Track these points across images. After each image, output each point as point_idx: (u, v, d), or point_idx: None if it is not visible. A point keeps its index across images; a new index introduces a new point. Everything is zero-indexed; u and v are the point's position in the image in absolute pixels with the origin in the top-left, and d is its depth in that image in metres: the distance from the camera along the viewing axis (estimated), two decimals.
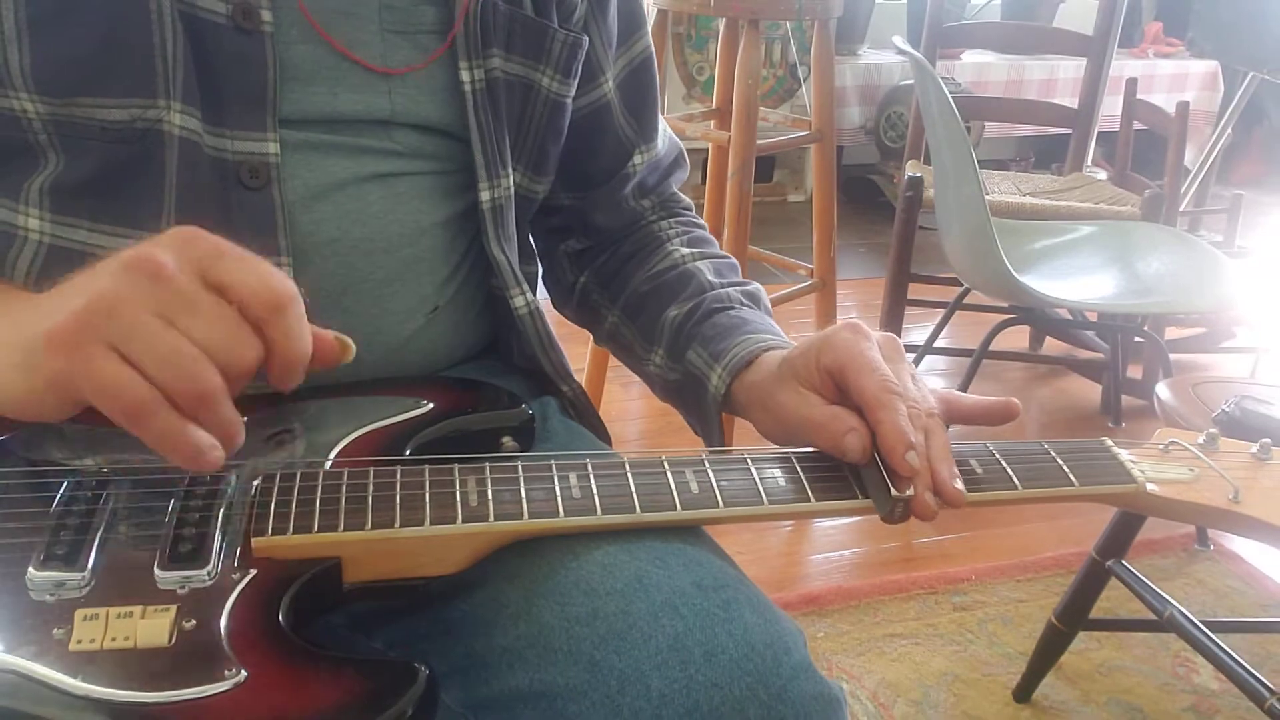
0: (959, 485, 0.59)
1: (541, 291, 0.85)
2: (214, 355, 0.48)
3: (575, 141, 0.80)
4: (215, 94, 0.63)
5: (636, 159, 0.85)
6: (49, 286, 0.64)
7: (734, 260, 0.85)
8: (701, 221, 0.90)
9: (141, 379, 0.47)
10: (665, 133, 0.90)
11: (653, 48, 0.85)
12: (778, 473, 0.62)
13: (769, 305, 0.81)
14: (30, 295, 0.57)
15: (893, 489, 0.58)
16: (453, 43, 0.70)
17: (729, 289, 0.79)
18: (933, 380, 2.47)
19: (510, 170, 0.75)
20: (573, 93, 0.78)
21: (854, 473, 0.62)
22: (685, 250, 0.83)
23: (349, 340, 0.54)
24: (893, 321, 2.31)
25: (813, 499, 0.60)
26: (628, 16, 0.82)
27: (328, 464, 0.60)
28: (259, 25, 0.63)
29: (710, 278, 0.80)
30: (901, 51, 1.98)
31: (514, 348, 0.80)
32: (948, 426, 0.63)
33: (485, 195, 0.73)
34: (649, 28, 0.85)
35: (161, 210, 0.63)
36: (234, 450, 0.50)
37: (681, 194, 0.92)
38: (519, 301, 0.77)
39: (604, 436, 0.84)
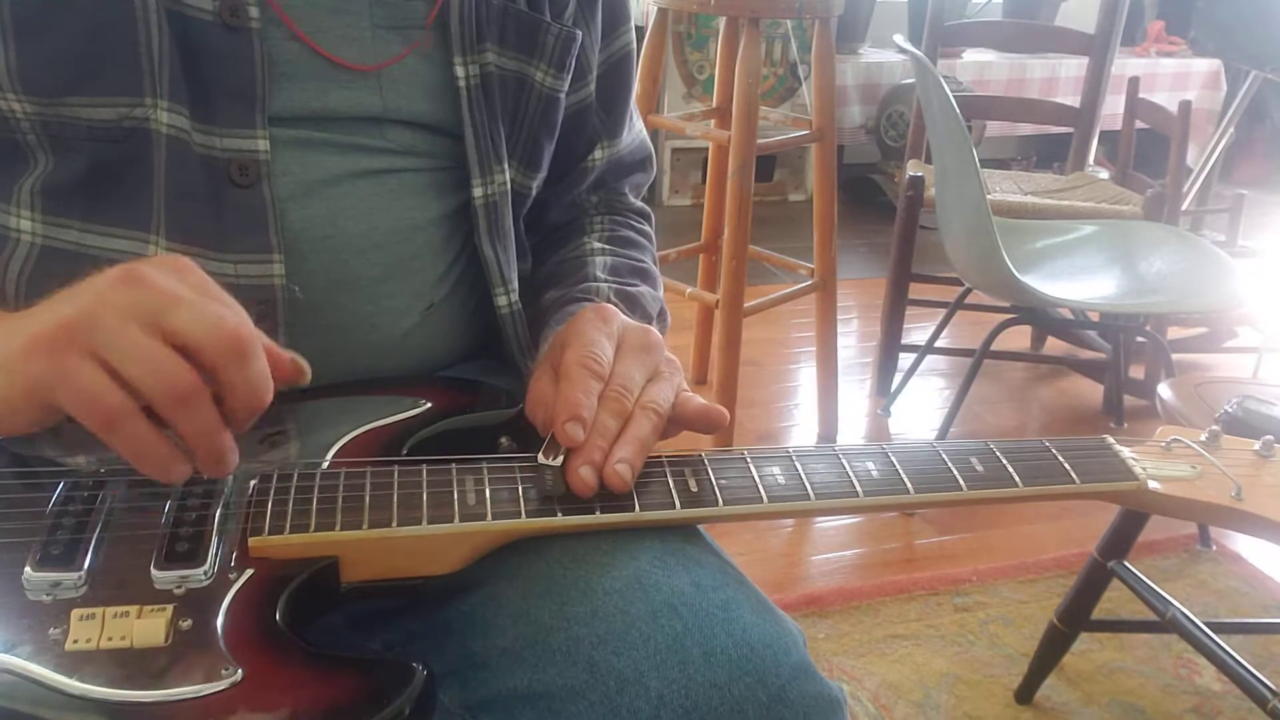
0: (624, 471, 0.58)
1: None
2: (199, 356, 0.49)
3: (556, 141, 0.80)
4: (203, 91, 0.63)
5: (597, 153, 0.85)
6: (40, 289, 0.64)
7: (648, 268, 0.84)
8: (640, 225, 0.89)
9: (116, 387, 0.47)
10: (636, 134, 0.89)
11: (634, 45, 0.85)
12: (777, 471, 0.61)
13: (651, 309, 0.79)
14: (13, 314, 0.55)
15: (540, 455, 0.58)
16: (437, 35, 0.70)
17: (603, 284, 0.77)
18: (934, 381, 2.47)
19: (505, 166, 0.75)
20: (566, 87, 0.77)
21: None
22: (596, 244, 0.83)
23: (304, 364, 0.55)
24: (894, 321, 2.31)
25: (813, 497, 0.60)
26: (612, 12, 0.81)
27: (324, 464, 0.60)
28: (246, 21, 0.63)
29: (597, 271, 0.79)
30: (903, 50, 1.98)
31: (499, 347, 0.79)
32: (676, 432, 0.63)
33: (478, 191, 0.73)
34: (633, 24, 0.84)
35: (152, 209, 0.63)
36: (225, 465, 0.51)
37: (632, 198, 0.90)
38: (502, 301, 0.76)
39: None
